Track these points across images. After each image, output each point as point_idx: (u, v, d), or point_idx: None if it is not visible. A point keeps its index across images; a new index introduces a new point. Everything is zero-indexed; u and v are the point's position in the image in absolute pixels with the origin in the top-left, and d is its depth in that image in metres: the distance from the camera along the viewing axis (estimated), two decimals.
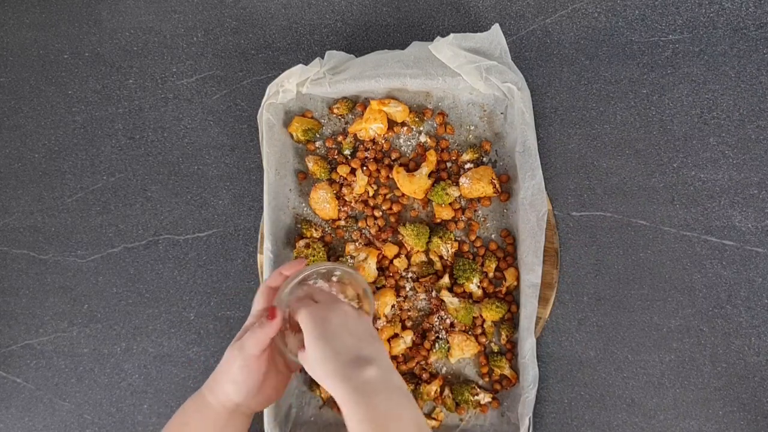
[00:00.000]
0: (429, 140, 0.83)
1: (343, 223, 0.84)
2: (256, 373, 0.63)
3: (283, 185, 0.84)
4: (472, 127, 0.82)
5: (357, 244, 0.83)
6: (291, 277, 0.66)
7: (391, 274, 0.82)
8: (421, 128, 0.83)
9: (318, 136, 0.85)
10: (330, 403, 0.83)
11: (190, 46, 0.90)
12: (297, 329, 0.65)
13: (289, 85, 0.80)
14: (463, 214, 0.82)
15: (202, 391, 0.66)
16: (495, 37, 0.78)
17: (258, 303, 0.67)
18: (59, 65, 0.93)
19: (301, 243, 0.82)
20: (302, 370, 0.75)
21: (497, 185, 0.79)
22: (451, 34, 0.76)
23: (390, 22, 0.86)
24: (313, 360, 0.59)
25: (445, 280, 0.80)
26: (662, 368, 0.78)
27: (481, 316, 0.80)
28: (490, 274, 0.80)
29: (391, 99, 0.82)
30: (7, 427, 0.91)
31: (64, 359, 0.90)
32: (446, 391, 0.80)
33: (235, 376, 0.63)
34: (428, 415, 0.81)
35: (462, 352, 0.79)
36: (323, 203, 0.82)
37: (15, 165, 0.93)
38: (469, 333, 0.81)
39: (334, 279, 0.69)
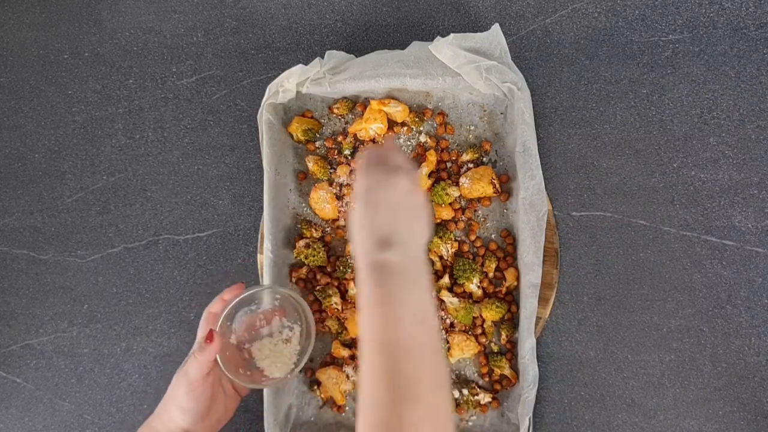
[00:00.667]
0: (429, 140, 0.83)
1: (343, 223, 0.84)
2: (202, 397, 0.65)
3: (283, 185, 0.84)
4: (472, 127, 0.82)
5: None
6: (229, 301, 0.69)
7: None
8: (421, 128, 0.83)
9: (318, 136, 0.85)
10: (330, 403, 0.83)
11: (190, 46, 0.90)
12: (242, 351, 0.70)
13: (289, 85, 0.80)
14: (463, 214, 0.82)
15: (149, 421, 0.67)
16: (495, 37, 0.78)
17: (201, 329, 0.70)
18: (59, 65, 0.93)
19: (301, 243, 0.82)
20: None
21: (497, 185, 0.79)
22: (451, 34, 0.76)
23: (390, 22, 0.86)
24: (351, 224, 0.58)
25: (445, 280, 0.80)
26: (662, 368, 0.78)
27: (481, 316, 0.80)
28: (490, 274, 0.80)
29: (391, 99, 0.82)
30: (7, 427, 0.91)
31: (64, 359, 0.90)
32: None
33: (181, 401, 0.64)
34: None
35: (462, 352, 0.79)
36: (323, 203, 0.82)
37: (15, 165, 0.93)
38: (469, 333, 0.81)
39: (276, 303, 0.73)
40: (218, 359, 0.67)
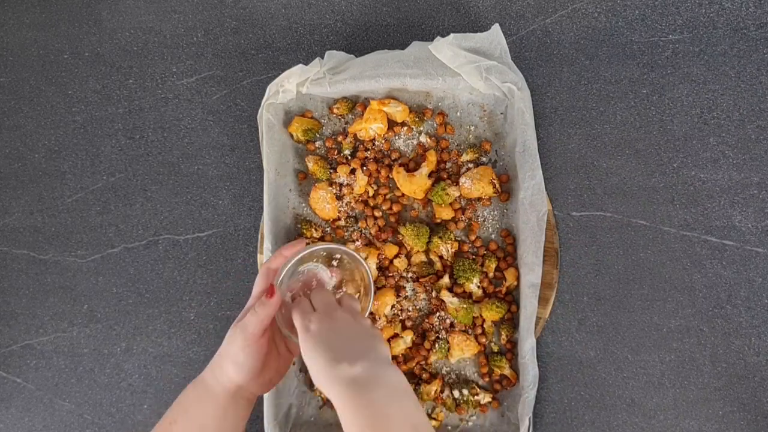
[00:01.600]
0: (429, 140, 0.83)
1: (343, 223, 0.84)
2: (258, 353, 0.63)
3: (283, 185, 0.84)
4: (472, 127, 0.82)
5: (357, 244, 0.83)
6: (290, 258, 0.67)
7: (391, 274, 0.82)
8: (421, 128, 0.83)
9: (318, 136, 0.85)
10: (330, 403, 0.83)
11: (190, 46, 0.90)
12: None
13: (289, 85, 0.80)
14: (463, 214, 0.82)
15: (202, 375, 0.65)
16: (495, 37, 0.78)
17: (258, 285, 0.67)
18: (59, 65, 0.93)
19: None
20: (303, 362, 0.75)
21: (497, 185, 0.79)
22: (451, 34, 0.76)
23: (390, 22, 0.86)
24: (310, 368, 0.58)
25: (445, 280, 0.80)
26: (662, 368, 0.78)
27: (481, 316, 0.80)
28: (490, 274, 0.80)
29: (391, 99, 0.82)
30: (7, 427, 0.91)
31: (64, 359, 0.90)
32: (446, 391, 0.80)
33: (237, 356, 0.62)
34: (428, 415, 0.81)
35: (462, 352, 0.79)
36: (323, 203, 0.82)
37: (15, 165, 0.93)
38: (469, 333, 0.81)
39: (335, 263, 0.70)
40: (276, 316, 0.65)
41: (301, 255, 0.67)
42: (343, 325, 0.60)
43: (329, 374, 0.56)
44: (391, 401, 0.54)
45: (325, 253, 0.69)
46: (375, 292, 0.81)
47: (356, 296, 0.70)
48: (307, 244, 0.69)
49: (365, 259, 0.81)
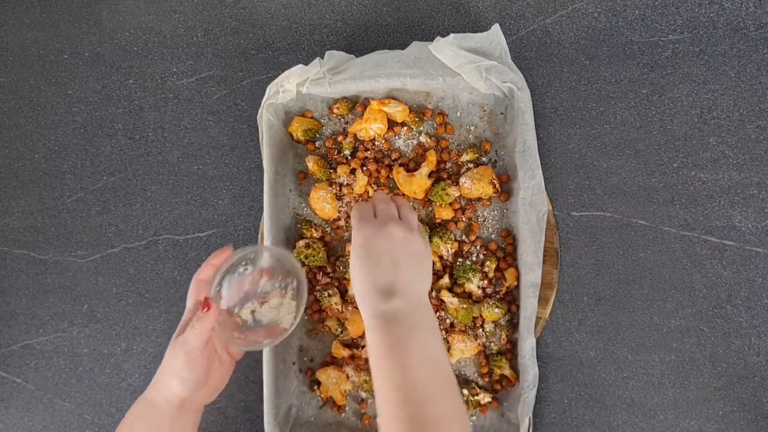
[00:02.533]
0: (429, 140, 0.83)
1: (343, 223, 0.84)
2: (201, 366, 0.65)
3: (283, 185, 0.84)
4: (472, 127, 0.82)
5: None
6: (219, 266, 0.68)
7: None
8: (421, 128, 0.83)
9: (318, 136, 0.85)
10: (330, 403, 0.83)
11: (190, 46, 0.90)
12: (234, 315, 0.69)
13: (289, 85, 0.80)
14: (463, 214, 0.82)
15: (146, 393, 0.66)
16: (495, 37, 0.78)
17: (191, 298, 0.69)
18: (59, 65, 0.93)
19: (301, 243, 0.82)
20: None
21: (497, 185, 0.79)
22: (451, 34, 0.76)
23: (390, 22, 0.86)
24: (353, 278, 0.61)
25: (445, 280, 0.80)
26: (662, 368, 0.78)
27: (481, 316, 0.80)
28: (490, 274, 0.80)
29: (391, 99, 0.82)
30: (7, 427, 0.91)
31: (64, 359, 0.90)
32: None
33: (180, 372, 0.64)
34: None
35: (462, 352, 0.79)
36: (323, 203, 0.82)
37: (15, 165, 0.93)
38: (469, 333, 0.81)
39: (265, 264, 0.71)
40: (214, 327, 0.66)
41: (231, 262, 0.69)
42: (396, 243, 0.62)
43: (365, 300, 0.59)
44: (415, 334, 0.57)
45: (253, 256, 0.71)
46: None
47: (289, 298, 0.72)
48: (235, 249, 0.70)
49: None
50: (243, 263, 0.71)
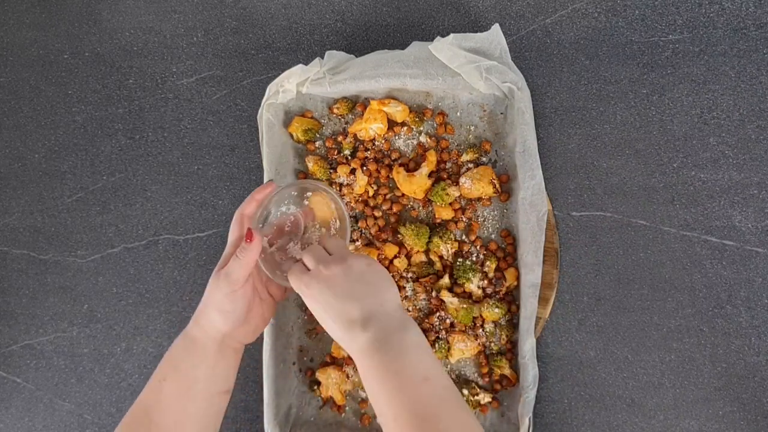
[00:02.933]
0: (429, 140, 0.83)
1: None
2: (243, 299, 0.63)
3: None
4: (472, 127, 0.82)
5: (357, 244, 0.83)
6: (262, 200, 0.67)
7: (391, 274, 0.82)
8: (421, 128, 0.83)
9: (318, 136, 0.85)
10: (330, 403, 0.83)
11: (190, 46, 0.90)
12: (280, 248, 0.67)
13: (289, 85, 0.80)
14: (463, 214, 0.82)
15: (188, 329, 0.65)
16: (495, 37, 0.78)
17: (234, 232, 0.67)
18: (59, 65, 0.93)
19: None
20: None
21: (497, 185, 0.79)
22: (451, 34, 0.76)
23: (390, 22, 0.86)
24: (326, 323, 0.60)
25: (445, 280, 0.80)
26: (662, 368, 0.78)
27: (481, 316, 0.80)
28: (490, 274, 0.80)
29: (391, 99, 0.82)
30: (7, 427, 0.91)
31: (64, 359, 0.90)
32: None
33: (222, 304, 0.62)
34: None
35: (462, 352, 0.79)
36: (323, 204, 0.82)
37: (15, 165, 0.93)
38: (469, 333, 0.81)
39: (306, 202, 0.70)
40: (258, 261, 0.65)
41: (273, 196, 0.67)
42: (353, 275, 0.60)
43: (342, 337, 0.58)
44: (402, 356, 0.56)
45: (296, 193, 0.69)
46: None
47: (332, 232, 0.70)
48: (278, 186, 0.69)
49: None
50: (285, 201, 0.69)
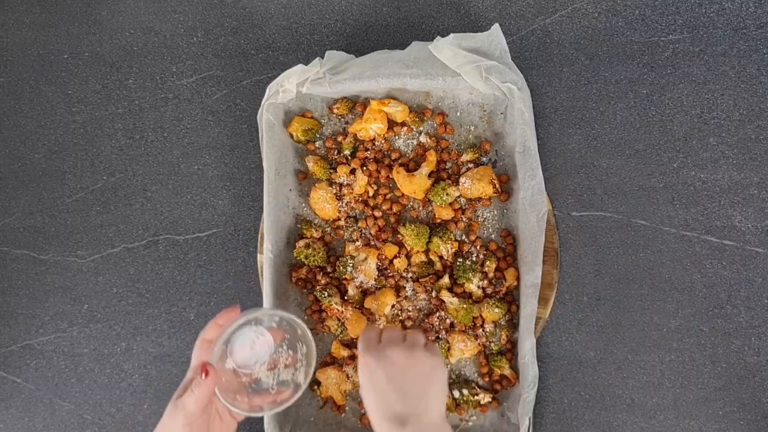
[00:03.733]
0: (429, 140, 0.83)
1: (343, 223, 0.84)
2: (200, 429, 0.64)
3: (283, 185, 0.83)
4: (472, 127, 0.82)
5: (357, 244, 0.83)
6: (225, 327, 0.65)
7: (391, 274, 0.82)
8: (421, 128, 0.83)
9: (318, 136, 0.85)
10: (330, 403, 0.83)
11: (190, 46, 0.90)
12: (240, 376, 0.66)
13: (289, 85, 0.80)
14: (463, 214, 0.82)
15: None
16: (495, 37, 0.78)
17: (196, 357, 0.67)
18: (59, 65, 0.93)
19: (301, 243, 0.82)
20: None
21: (497, 185, 0.79)
22: (451, 34, 0.76)
23: (390, 22, 0.86)
24: (366, 407, 0.62)
25: (445, 280, 0.80)
26: (662, 368, 0.78)
27: (481, 316, 0.80)
28: (490, 274, 0.80)
29: (391, 99, 0.82)
30: (7, 427, 0.91)
31: (64, 359, 0.90)
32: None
33: None
34: None
35: (462, 352, 0.79)
36: (323, 203, 0.82)
37: (15, 165, 0.93)
38: (469, 333, 0.81)
39: (274, 325, 0.68)
40: (216, 390, 0.64)
41: (238, 322, 0.65)
42: (398, 369, 0.61)
43: (380, 423, 0.60)
44: None
45: (261, 318, 0.68)
46: (375, 293, 0.81)
47: (298, 365, 0.69)
48: (242, 310, 0.67)
49: (365, 259, 0.81)
50: (251, 323, 0.68)
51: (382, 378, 0.61)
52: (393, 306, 0.82)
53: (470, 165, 0.82)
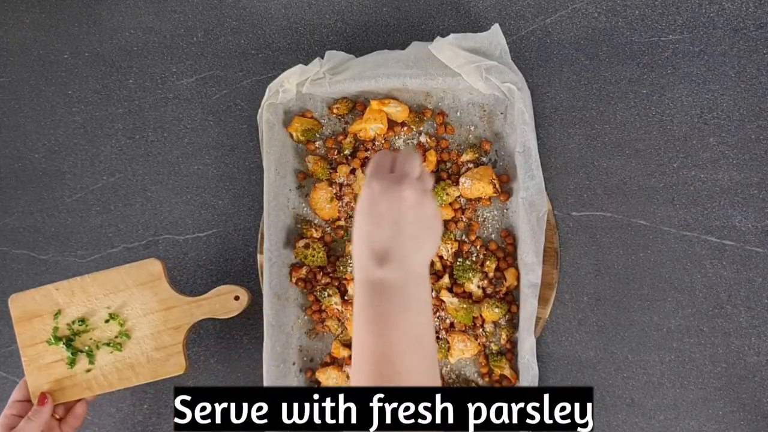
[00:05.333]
0: (429, 140, 0.83)
1: (343, 223, 0.84)
2: None
3: (283, 185, 0.83)
4: (472, 127, 0.82)
5: None
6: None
7: None
8: (421, 128, 0.83)
9: (318, 136, 0.85)
10: None
11: (190, 46, 0.90)
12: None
13: (289, 85, 0.80)
14: (463, 214, 0.82)
15: None
16: (495, 37, 0.78)
17: (17, 393, 0.79)
18: (59, 65, 0.93)
19: (301, 243, 0.82)
20: None
21: (497, 185, 0.79)
22: (451, 34, 0.76)
23: (390, 22, 0.86)
24: (352, 234, 0.57)
25: (445, 280, 0.80)
26: (662, 368, 0.78)
27: (481, 316, 0.80)
28: (490, 274, 0.80)
29: (391, 99, 0.82)
30: None
31: None
32: None
33: None
34: None
35: (462, 352, 0.79)
36: (323, 203, 0.82)
37: (15, 165, 0.93)
38: (469, 333, 0.81)
39: None
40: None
41: None
42: (403, 205, 0.55)
43: (358, 262, 0.55)
44: (404, 311, 0.53)
45: None
46: None
47: None
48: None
49: None
50: None
51: (384, 209, 0.55)
52: None
53: (470, 165, 0.82)
